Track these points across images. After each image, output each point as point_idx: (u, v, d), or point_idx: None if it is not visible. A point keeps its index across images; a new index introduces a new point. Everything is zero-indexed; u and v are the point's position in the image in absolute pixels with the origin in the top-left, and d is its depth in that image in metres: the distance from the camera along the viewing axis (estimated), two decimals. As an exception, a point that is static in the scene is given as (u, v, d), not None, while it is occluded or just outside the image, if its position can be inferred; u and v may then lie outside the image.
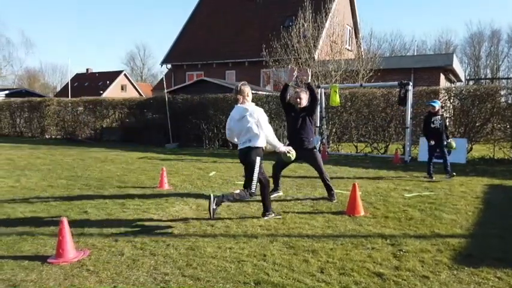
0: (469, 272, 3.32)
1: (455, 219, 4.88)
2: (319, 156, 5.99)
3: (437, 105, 7.76)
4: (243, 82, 4.81)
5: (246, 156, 4.57)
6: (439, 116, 7.69)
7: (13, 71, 22.69)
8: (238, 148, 4.69)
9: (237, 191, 4.63)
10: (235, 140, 4.79)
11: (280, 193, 6.24)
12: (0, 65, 21.81)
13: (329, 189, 5.89)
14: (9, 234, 4.25)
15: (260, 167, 4.61)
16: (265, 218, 4.84)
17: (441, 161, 7.74)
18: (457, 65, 20.45)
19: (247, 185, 4.62)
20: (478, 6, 72.83)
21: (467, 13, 73.93)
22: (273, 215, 4.92)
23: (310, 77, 5.71)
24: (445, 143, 7.77)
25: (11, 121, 20.26)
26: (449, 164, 7.73)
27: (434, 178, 7.64)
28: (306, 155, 5.81)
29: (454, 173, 7.73)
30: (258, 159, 4.55)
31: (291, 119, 5.88)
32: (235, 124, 4.67)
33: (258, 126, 4.52)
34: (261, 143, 4.58)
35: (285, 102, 5.83)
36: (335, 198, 5.85)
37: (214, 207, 4.42)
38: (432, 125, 7.65)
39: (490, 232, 4.39)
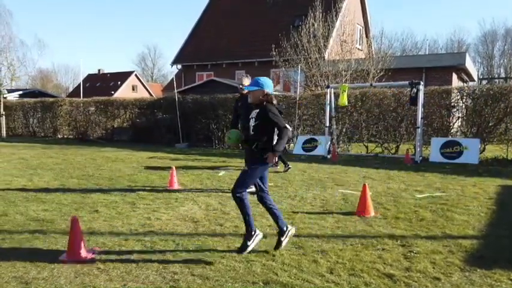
0: (481, 273, 3.27)
1: (467, 220, 4.81)
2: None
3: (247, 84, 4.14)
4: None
5: None
6: (256, 111, 3.71)
7: (26, 72, 23.01)
8: None
9: None
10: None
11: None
12: (14, 66, 22.08)
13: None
14: (21, 232, 4.31)
15: None
16: None
17: (452, 161, 7.04)
18: (469, 64, 20.17)
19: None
20: (492, 4, 71.73)
21: (480, 11, 72.93)
22: None
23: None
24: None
25: (24, 121, 20.60)
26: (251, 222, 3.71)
27: None
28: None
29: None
30: None
31: (239, 108, 6.62)
32: None
33: None
34: None
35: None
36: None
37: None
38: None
39: (503, 233, 4.31)
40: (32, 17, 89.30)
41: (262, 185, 3.77)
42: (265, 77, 3.82)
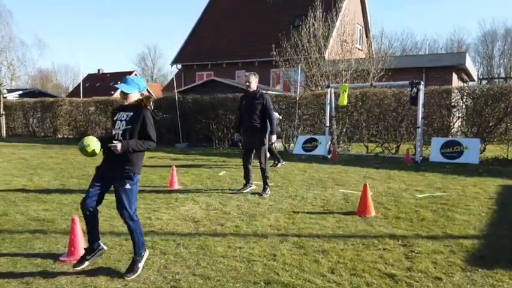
0: (483, 273, 3.26)
1: (468, 220, 4.80)
2: (265, 145, 6.47)
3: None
4: None
5: None
6: None
7: (26, 72, 23.07)
8: None
9: None
10: None
11: (253, 187, 6.62)
12: (14, 65, 22.14)
13: (265, 182, 6.32)
14: (22, 233, 4.31)
15: None
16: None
17: (453, 161, 7.15)
18: (469, 64, 20.17)
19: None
20: (492, 4, 71.74)
21: (480, 11, 72.93)
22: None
23: None
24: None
25: (24, 121, 20.57)
26: None
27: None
28: (254, 140, 6.34)
29: None
30: None
31: (243, 107, 6.46)
32: None
33: None
34: None
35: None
36: (266, 194, 6.19)
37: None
38: None
39: (503, 233, 4.31)
40: (32, 17, 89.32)
41: (101, 197, 3.33)
42: (138, 76, 3.35)
